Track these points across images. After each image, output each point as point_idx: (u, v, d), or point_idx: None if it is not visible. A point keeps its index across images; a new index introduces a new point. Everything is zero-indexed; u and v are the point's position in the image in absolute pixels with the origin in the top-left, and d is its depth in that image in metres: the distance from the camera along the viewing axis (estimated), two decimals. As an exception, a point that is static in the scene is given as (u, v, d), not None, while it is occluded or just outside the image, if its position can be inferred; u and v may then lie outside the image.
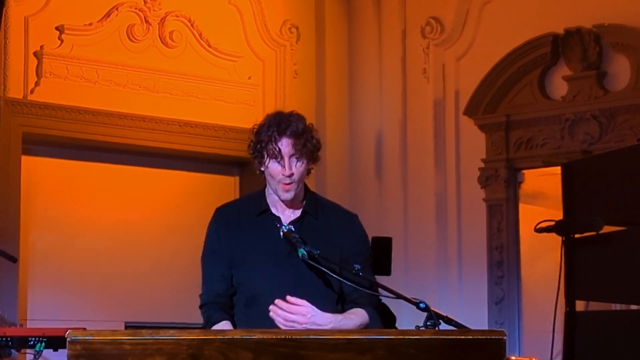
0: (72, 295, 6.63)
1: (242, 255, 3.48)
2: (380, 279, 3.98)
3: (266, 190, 3.55)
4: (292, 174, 3.42)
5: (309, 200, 3.54)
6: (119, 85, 6.71)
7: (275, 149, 3.41)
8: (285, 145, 3.41)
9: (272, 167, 3.43)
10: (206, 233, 3.61)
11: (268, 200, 3.52)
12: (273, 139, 3.41)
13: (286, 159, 3.42)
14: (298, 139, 3.41)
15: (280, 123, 3.42)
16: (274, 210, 3.51)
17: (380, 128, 7.55)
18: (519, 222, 6.86)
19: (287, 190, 3.44)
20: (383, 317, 3.69)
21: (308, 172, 3.50)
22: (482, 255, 6.92)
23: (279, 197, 3.47)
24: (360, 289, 3.42)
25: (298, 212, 3.51)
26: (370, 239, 3.77)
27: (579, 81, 6.67)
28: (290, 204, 3.49)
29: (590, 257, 4.66)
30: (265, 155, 3.43)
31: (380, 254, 3.87)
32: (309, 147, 3.43)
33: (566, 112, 6.70)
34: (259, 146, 3.44)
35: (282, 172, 3.42)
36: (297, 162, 3.42)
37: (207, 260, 3.56)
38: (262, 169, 3.48)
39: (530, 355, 6.65)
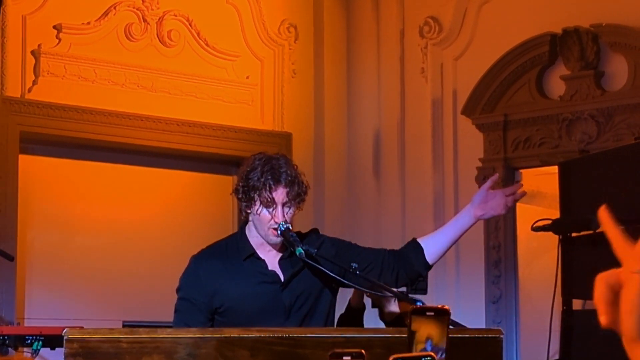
0: (70, 294, 6.63)
1: (230, 304, 3.43)
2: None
3: (247, 231, 3.50)
4: (286, 222, 3.40)
5: (309, 239, 3.53)
6: (117, 84, 6.70)
7: (269, 197, 3.39)
8: (279, 194, 3.40)
9: (264, 214, 3.41)
10: (181, 281, 3.55)
11: (252, 243, 3.48)
12: (267, 187, 3.38)
13: (279, 206, 3.40)
14: (292, 187, 3.40)
15: (274, 171, 3.39)
16: (259, 254, 3.48)
17: (379, 127, 7.55)
18: (516, 221, 6.86)
19: (277, 235, 3.41)
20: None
21: None
22: (479, 254, 6.92)
23: (268, 241, 3.45)
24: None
25: (282, 250, 3.49)
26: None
27: (577, 81, 6.68)
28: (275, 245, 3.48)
29: (587, 256, 4.67)
30: (258, 202, 3.39)
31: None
32: (301, 195, 3.43)
33: (564, 112, 6.70)
34: (251, 193, 3.40)
35: (274, 219, 3.39)
36: (289, 209, 3.41)
37: (183, 307, 3.50)
38: (249, 211, 3.45)
39: (529, 356, 6.65)
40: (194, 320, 3.45)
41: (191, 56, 7.01)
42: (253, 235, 3.49)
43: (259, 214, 3.42)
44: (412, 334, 2.49)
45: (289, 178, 3.41)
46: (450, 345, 2.52)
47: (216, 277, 3.46)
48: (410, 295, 3.31)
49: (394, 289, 3.51)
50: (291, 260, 3.48)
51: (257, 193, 3.40)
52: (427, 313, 2.49)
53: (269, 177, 3.40)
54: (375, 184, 7.48)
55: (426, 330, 2.48)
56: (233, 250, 3.51)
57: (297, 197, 3.43)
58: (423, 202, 7.23)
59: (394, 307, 3.82)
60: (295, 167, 3.48)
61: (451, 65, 7.26)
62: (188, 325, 3.46)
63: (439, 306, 2.55)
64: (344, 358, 2.27)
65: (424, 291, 3.85)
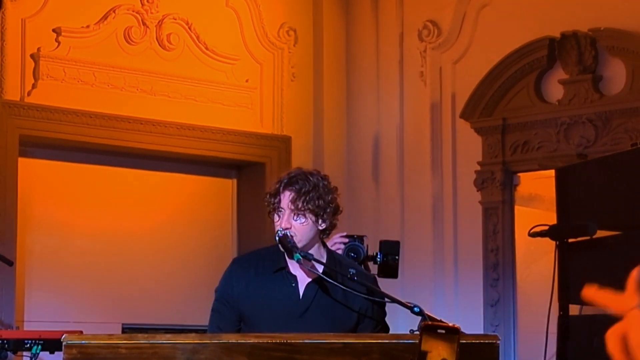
0: (70, 298, 6.64)
1: (252, 311, 3.42)
2: (386, 282, 3.98)
3: None
4: (287, 228, 3.36)
5: (329, 261, 3.46)
6: (116, 87, 6.71)
7: (276, 201, 3.40)
8: (284, 198, 3.39)
9: (275, 220, 3.41)
10: (221, 279, 3.53)
11: (287, 257, 3.44)
12: (275, 191, 3.40)
13: (285, 212, 3.38)
14: (298, 194, 3.37)
15: (289, 177, 3.40)
16: (291, 268, 3.44)
17: (378, 131, 7.56)
18: (514, 225, 6.88)
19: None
20: None
21: (325, 232, 3.44)
22: (477, 257, 6.94)
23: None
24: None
25: (316, 272, 3.41)
26: (378, 242, 3.78)
27: (575, 85, 6.69)
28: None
29: (584, 262, 4.68)
30: (270, 208, 3.41)
31: (388, 258, 3.89)
32: (311, 205, 3.36)
33: (562, 116, 6.72)
34: (267, 197, 3.43)
35: (279, 224, 3.39)
36: (297, 217, 3.38)
37: (218, 308, 3.50)
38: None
39: (526, 359, 6.66)
40: (226, 321, 3.46)
41: (190, 59, 7.02)
42: None
43: (273, 221, 3.42)
44: (423, 355, 2.44)
45: (299, 186, 3.37)
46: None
47: (246, 284, 3.45)
48: (407, 302, 3.31)
49: (394, 297, 3.50)
50: (322, 282, 3.40)
51: (270, 198, 3.41)
52: (439, 331, 2.45)
53: (279, 182, 3.41)
54: (374, 187, 7.50)
55: (438, 351, 2.44)
56: (268, 260, 3.47)
57: (306, 205, 3.35)
58: (422, 206, 7.24)
59: None
60: (324, 184, 3.42)
61: (450, 69, 7.27)
62: (219, 326, 3.46)
63: (450, 325, 2.51)
64: (439, 331, 2.28)
65: (394, 275, 3.87)
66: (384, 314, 3.53)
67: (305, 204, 3.38)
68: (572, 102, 6.69)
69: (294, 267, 3.45)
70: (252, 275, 3.45)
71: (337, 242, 3.76)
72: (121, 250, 6.89)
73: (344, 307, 3.41)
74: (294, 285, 3.43)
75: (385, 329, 3.55)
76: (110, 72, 6.67)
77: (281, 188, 3.40)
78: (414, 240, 7.16)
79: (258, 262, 3.49)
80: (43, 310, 6.48)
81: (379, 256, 3.85)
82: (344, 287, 3.36)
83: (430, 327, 2.49)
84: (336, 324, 3.39)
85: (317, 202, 3.38)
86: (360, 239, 3.80)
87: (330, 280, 3.36)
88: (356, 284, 3.39)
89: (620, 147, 6.08)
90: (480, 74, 6.99)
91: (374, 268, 3.90)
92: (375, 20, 7.61)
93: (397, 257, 3.86)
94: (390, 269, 3.87)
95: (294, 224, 3.40)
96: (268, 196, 3.43)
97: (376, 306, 3.45)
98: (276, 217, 3.41)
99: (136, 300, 6.91)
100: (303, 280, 3.44)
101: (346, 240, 3.77)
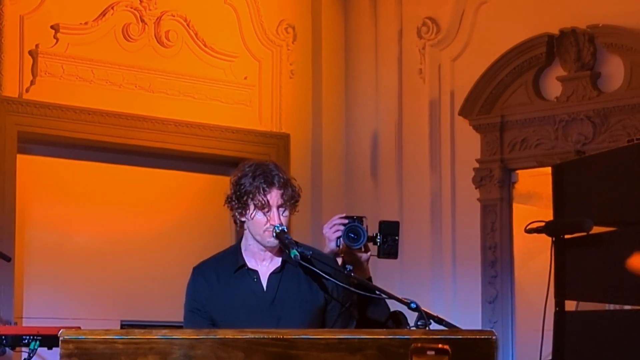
0: (68, 294, 6.65)
1: (222, 313, 3.46)
2: (384, 277, 3.97)
3: (242, 244, 3.53)
4: (281, 224, 3.42)
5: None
6: (115, 84, 6.72)
7: (264, 200, 3.42)
8: (274, 196, 3.43)
9: (258, 218, 3.43)
10: (186, 293, 3.57)
11: (244, 255, 3.51)
12: (261, 190, 3.42)
13: (274, 209, 3.43)
14: (285, 189, 3.44)
15: (265, 174, 3.43)
16: (251, 265, 3.50)
17: (376, 128, 7.57)
18: (512, 222, 6.88)
19: (273, 237, 3.44)
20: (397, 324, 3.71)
21: None
22: (475, 254, 6.95)
23: (264, 244, 3.46)
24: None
25: (277, 262, 3.49)
26: (376, 223, 3.76)
27: (573, 82, 6.70)
28: (269, 255, 3.48)
29: (580, 258, 4.69)
30: (252, 207, 3.43)
31: (388, 238, 3.88)
32: (295, 197, 3.46)
33: (560, 113, 6.72)
34: (244, 198, 3.43)
35: (270, 222, 3.42)
36: (284, 211, 3.45)
37: (190, 319, 3.52)
38: (244, 219, 3.47)
39: (525, 356, 6.67)
40: (198, 325, 3.46)
41: (189, 57, 7.03)
42: (247, 246, 3.52)
43: (253, 218, 3.44)
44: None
45: (282, 180, 3.44)
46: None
47: (210, 290, 3.50)
48: (404, 299, 3.31)
49: (390, 293, 3.50)
50: (283, 273, 3.48)
51: (251, 197, 3.42)
52: (428, 352, 2.44)
53: (262, 181, 3.42)
54: (373, 184, 7.50)
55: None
56: (227, 262, 3.53)
57: (291, 199, 3.45)
58: (420, 203, 7.25)
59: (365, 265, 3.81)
60: (280, 169, 3.51)
61: (449, 66, 7.28)
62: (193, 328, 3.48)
63: (439, 345, 2.50)
64: (428, 353, 2.28)
65: (394, 255, 3.85)
66: (350, 295, 3.55)
67: (290, 198, 3.45)
68: (571, 99, 6.70)
69: (252, 263, 3.50)
70: (215, 280, 3.51)
71: (336, 224, 3.75)
72: (119, 247, 6.90)
73: (309, 290, 3.47)
74: (255, 279, 3.48)
75: (350, 313, 3.57)
76: (108, 69, 6.68)
77: (265, 186, 3.42)
78: (413, 237, 7.17)
79: (217, 265, 3.55)
80: (41, 306, 6.49)
81: (378, 237, 3.84)
82: (320, 272, 3.41)
83: (420, 350, 2.48)
84: (305, 305, 3.46)
85: (295, 193, 3.47)
86: (360, 219, 3.79)
87: (310, 267, 3.41)
88: (323, 265, 3.43)
89: (619, 144, 6.10)
90: (479, 71, 7.00)
91: (373, 249, 3.89)
92: (374, 18, 7.61)
93: (397, 238, 3.85)
94: (390, 250, 3.86)
95: (282, 220, 3.45)
96: (248, 195, 3.43)
97: (340, 287, 3.50)
98: (259, 215, 3.42)
99: (134, 297, 6.91)
100: (264, 274, 3.50)
101: (345, 221, 3.77)
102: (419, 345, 2.27)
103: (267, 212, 3.43)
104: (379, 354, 2.90)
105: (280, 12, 7.46)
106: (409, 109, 7.43)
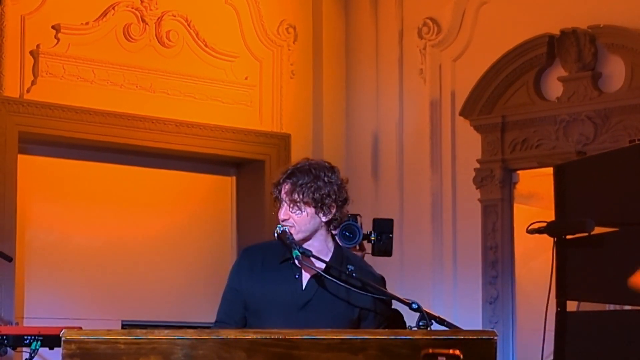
0: (69, 294, 6.65)
1: (256, 300, 3.42)
2: (385, 266, 3.94)
3: None
4: (285, 220, 3.37)
5: (336, 255, 3.44)
6: (116, 84, 6.72)
7: (277, 192, 3.40)
8: (283, 190, 3.39)
9: (278, 211, 3.41)
10: (231, 269, 3.54)
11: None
12: (277, 182, 3.41)
13: (284, 203, 3.39)
14: (294, 186, 3.36)
15: (291, 168, 3.39)
16: (297, 261, 3.40)
17: (377, 128, 7.57)
18: (513, 223, 6.89)
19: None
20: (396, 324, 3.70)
21: (331, 223, 3.41)
22: (476, 255, 6.95)
23: None
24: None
25: (322, 265, 3.39)
26: (371, 221, 3.73)
27: (574, 82, 6.70)
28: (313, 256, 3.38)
29: (582, 258, 4.69)
30: (274, 197, 3.42)
31: (382, 236, 3.86)
32: (307, 197, 3.35)
33: (561, 113, 6.72)
34: (272, 187, 3.43)
35: (278, 215, 3.39)
36: (294, 209, 3.37)
37: (227, 296, 3.50)
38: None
39: (525, 356, 6.67)
40: (233, 309, 3.46)
41: (190, 57, 7.03)
42: None
43: (275, 213, 3.43)
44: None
45: (296, 177, 3.36)
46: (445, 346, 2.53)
47: (252, 273, 3.45)
48: (405, 299, 3.31)
49: (392, 294, 3.49)
50: (323, 278, 3.37)
51: (273, 188, 3.41)
52: (439, 358, 2.44)
53: (282, 173, 3.40)
54: (374, 184, 7.50)
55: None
56: (276, 251, 3.45)
57: (303, 197, 3.34)
58: (421, 203, 7.25)
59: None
60: (326, 175, 3.37)
61: (449, 66, 7.28)
62: (226, 312, 3.47)
63: (450, 351, 2.50)
64: (439, 358, 2.26)
65: (389, 253, 3.84)
66: (390, 311, 3.50)
67: (301, 195, 3.36)
68: (571, 99, 6.70)
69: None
70: (259, 265, 3.45)
71: None
72: (120, 247, 6.90)
73: (346, 303, 3.40)
74: (297, 276, 3.42)
75: (393, 324, 3.53)
76: (109, 69, 6.68)
77: (281, 179, 3.39)
78: (413, 237, 7.17)
79: (266, 252, 3.48)
80: (42, 306, 6.49)
81: (373, 235, 3.81)
82: (344, 285, 3.34)
83: (431, 356, 2.47)
84: (337, 318, 3.38)
85: (313, 194, 3.35)
86: (354, 217, 3.76)
87: (329, 277, 3.35)
88: (357, 281, 3.37)
89: (620, 144, 6.10)
90: (480, 71, 7.00)
91: (368, 247, 3.87)
92: (374, 18, 7.61)
93: (391, 235, 3.84)
94: (385, 247, 3.84)
95: (292, 215, 3.39)
96: (273, 186, 3.43)
97: (380, 303, 3.43)
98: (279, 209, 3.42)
99: (135, 297, 6.92)
100: (308, 274, 3.43)
101: None
102: (430, 351, 2.25)
103: (281, 204, 3.40)
104: (381, 354, 2.90)
105: (281, 12, 7.46)
106: (409, 109, 7.43)
